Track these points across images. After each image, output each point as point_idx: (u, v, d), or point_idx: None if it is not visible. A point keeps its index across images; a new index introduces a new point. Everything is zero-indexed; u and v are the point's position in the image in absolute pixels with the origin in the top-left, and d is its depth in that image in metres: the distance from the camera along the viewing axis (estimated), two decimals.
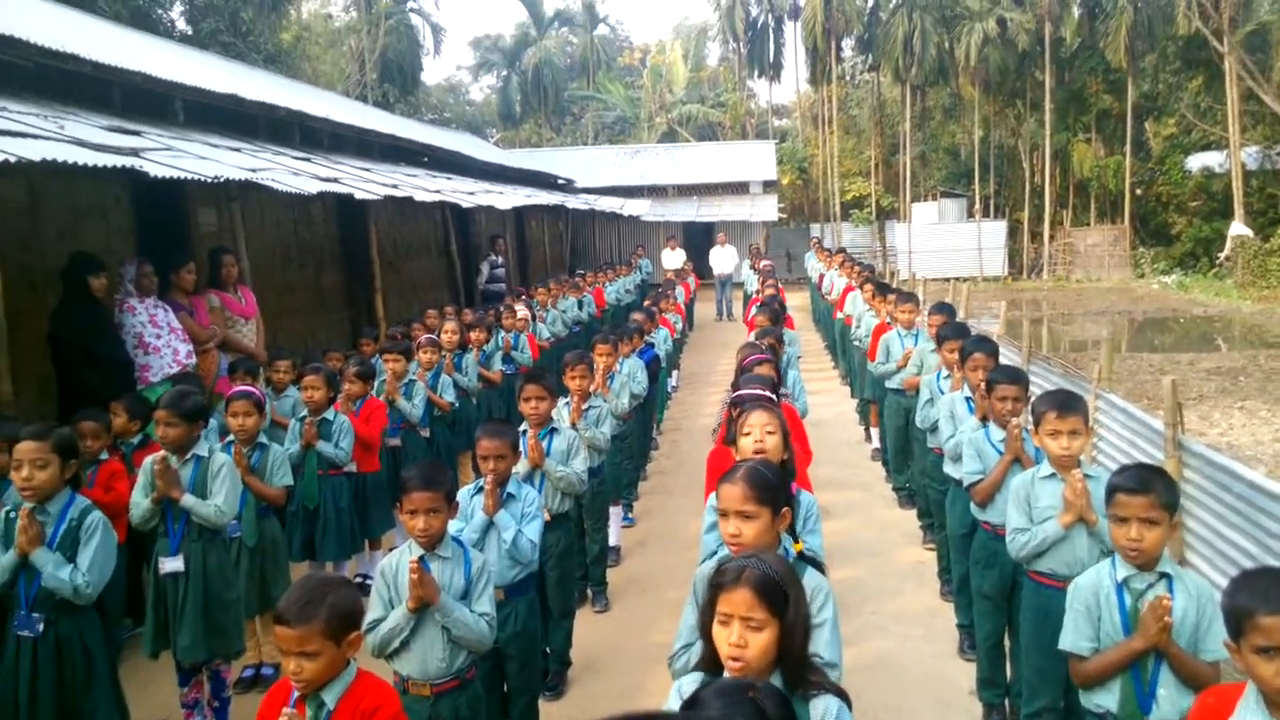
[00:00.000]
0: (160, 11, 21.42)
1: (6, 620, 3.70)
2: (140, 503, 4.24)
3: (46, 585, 3.51)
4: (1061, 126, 33.94)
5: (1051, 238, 33.75)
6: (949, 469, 5.16)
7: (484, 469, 3.91)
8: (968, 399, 5.15)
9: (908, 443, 7.32)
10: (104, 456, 4.93)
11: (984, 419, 4.67)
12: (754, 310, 9.08)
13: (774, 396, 4.35)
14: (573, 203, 21.10)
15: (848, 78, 42.15)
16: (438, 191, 12.47)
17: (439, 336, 8.12)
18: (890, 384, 7.58)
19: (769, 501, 2.78)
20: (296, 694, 2.45)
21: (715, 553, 3.45)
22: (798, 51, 39.71)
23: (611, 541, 6.51)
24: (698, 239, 28.25)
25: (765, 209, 28.24)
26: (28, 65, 7.72)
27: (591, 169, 29.78)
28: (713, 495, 3.67)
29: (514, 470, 4.08)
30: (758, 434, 3.53)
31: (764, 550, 2.54)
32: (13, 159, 5.04)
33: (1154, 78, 33.57)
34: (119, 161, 5.91)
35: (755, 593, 2.22)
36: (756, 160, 31.65)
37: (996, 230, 33.26)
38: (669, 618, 5.53)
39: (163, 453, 4.26)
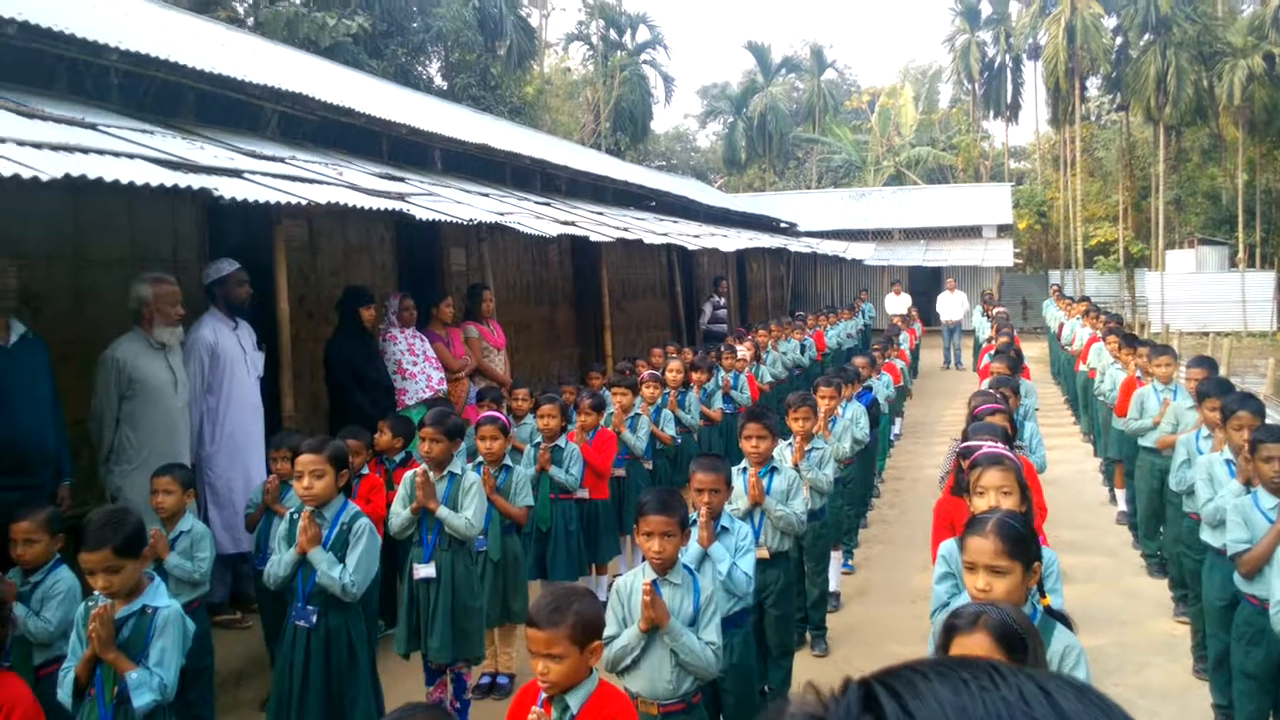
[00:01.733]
0: (420, 69, 23.39)
1: (283, 612, 4.15)
2: (400, 513, 4.63)
3: (320, 582, 3.90)
4: None
5: None
6: (1206, 535, 4.76)
7: (698, 501, 3.99)
8: (1229, 461, 4.75)
9: (1161, 506, 6.78)
10: (365, 471, 5.42)
11: (1248, 483, 4.30)
12: (987, 358, 8.76)
13: (1007, 448, 4.20)
14: (795, 246, 21.12)
15: (1093, 118, 39.87)
16: (665, 234, 12.87)
17: (663, 374, 8.35)
18: (1143, 443, 7.06)
19: (1020, 556, 2.69)
20: (544, 696, 2.62)
21: (947, 604, 3.37)
22: (1038, 91, 38.18)
23: (831, 587, 6.42)
24: (924, 284, 27.46)
25: (999, 254, 27.08)
26: (312, 119, 8.68)
27: (815, 212, 29.67)
28: (944, 544, 3.60)
29: (732, 506, 4.16)
30: (992, 497, 3.43)
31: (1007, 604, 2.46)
32: (303, 201, 5.70)
33: None
34: (389, 205, 6.53)
35: (993, 638, 2.17)
36: (990, 203, 30.45)
37: (1264, 281, 30.21)
38: None
39: (423, 467, 4.65)
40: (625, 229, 11.53)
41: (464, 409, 7.37)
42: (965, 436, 4.85)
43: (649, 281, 16.20)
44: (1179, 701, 5.18)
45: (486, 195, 9.90)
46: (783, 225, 25.89)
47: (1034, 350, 20.04)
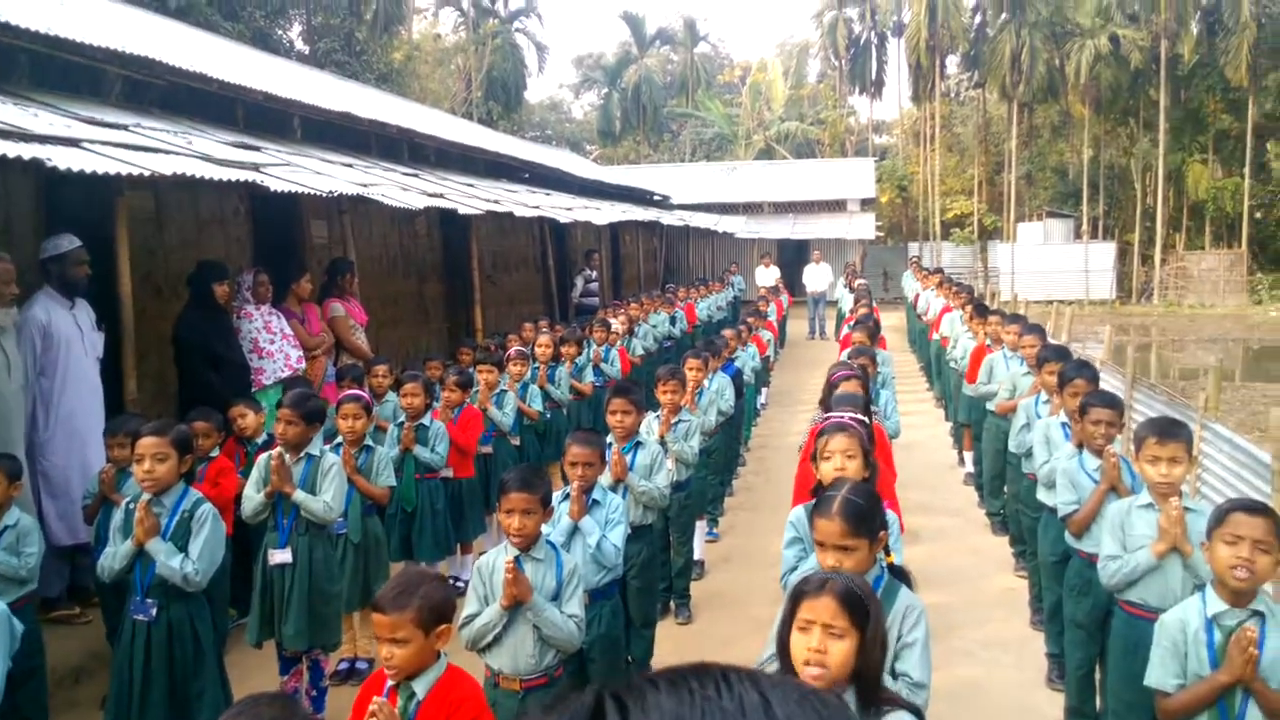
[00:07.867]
0: (280, 32, 22.40)
1: (124, 605, 3.96)
2: (253, 497, 4.48)
3: (160, 573, 3.73)
4: (1177, 146, 32.74)
5: (1163, 261, 32.52)
6: (1042, 495, 5.07)
7: (571, 475, 4.03)
8: (1064, 425, 5.05)
9: (1005, 468, 7.18)
10: (214, 454, 5.20)
11: (1080, 445, 4.59)
12: (847, 328, 9.05)
13: (861, 417, 4.36)
14: (668, 219, 21.26)
15: (952, 94, 41.45)
16: (537, 207, 12.76)
17: (532, 349, 8.30)
18: (990, 406, 7.46)
19: (866, 532, 2.80)
20: (390, 684, 2.59)
21: (795, 568, 3.50)
22: (900, 68, 39.34)
23: (696, 555, 6.56)
24: (792, 256, 28.11)
25: (862, 227, 27.95)
26: (160, 83, 8.22)
27: (688, 185, 29.92)
28: (793, 511, 3.73)
29: (600, 479, 4.20)
30: (838, 460, 3.58)
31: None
32: (146, 173, 5.40)
33: (1277, 96, 32.12)
34: (241, 176, 6.26)
35: (839, 601, 2.27)
36: (855, 178, 31.36)
37: (1105, 252, 32.20)
38: (752, 634, 5.54)
39: (279, 449, 4.50)
40: (496, 201, 11.37)
41: (322, 388, 7.17)
42: (825, 405, 5.01)
43: (521, 255, 16.04)
44: (1017, 652, 5.52)
45: (350, 165, 9.60)
46: (656, 198, 26.02)
47: (893, 319, 20.85)
